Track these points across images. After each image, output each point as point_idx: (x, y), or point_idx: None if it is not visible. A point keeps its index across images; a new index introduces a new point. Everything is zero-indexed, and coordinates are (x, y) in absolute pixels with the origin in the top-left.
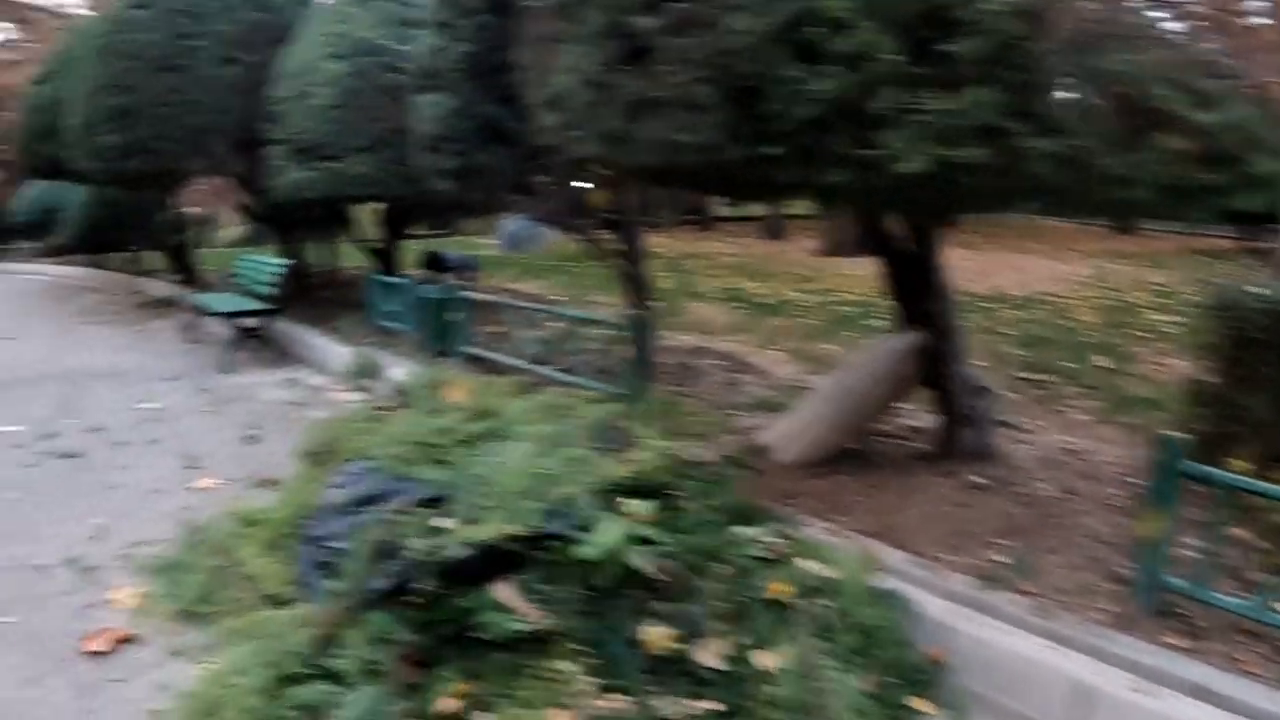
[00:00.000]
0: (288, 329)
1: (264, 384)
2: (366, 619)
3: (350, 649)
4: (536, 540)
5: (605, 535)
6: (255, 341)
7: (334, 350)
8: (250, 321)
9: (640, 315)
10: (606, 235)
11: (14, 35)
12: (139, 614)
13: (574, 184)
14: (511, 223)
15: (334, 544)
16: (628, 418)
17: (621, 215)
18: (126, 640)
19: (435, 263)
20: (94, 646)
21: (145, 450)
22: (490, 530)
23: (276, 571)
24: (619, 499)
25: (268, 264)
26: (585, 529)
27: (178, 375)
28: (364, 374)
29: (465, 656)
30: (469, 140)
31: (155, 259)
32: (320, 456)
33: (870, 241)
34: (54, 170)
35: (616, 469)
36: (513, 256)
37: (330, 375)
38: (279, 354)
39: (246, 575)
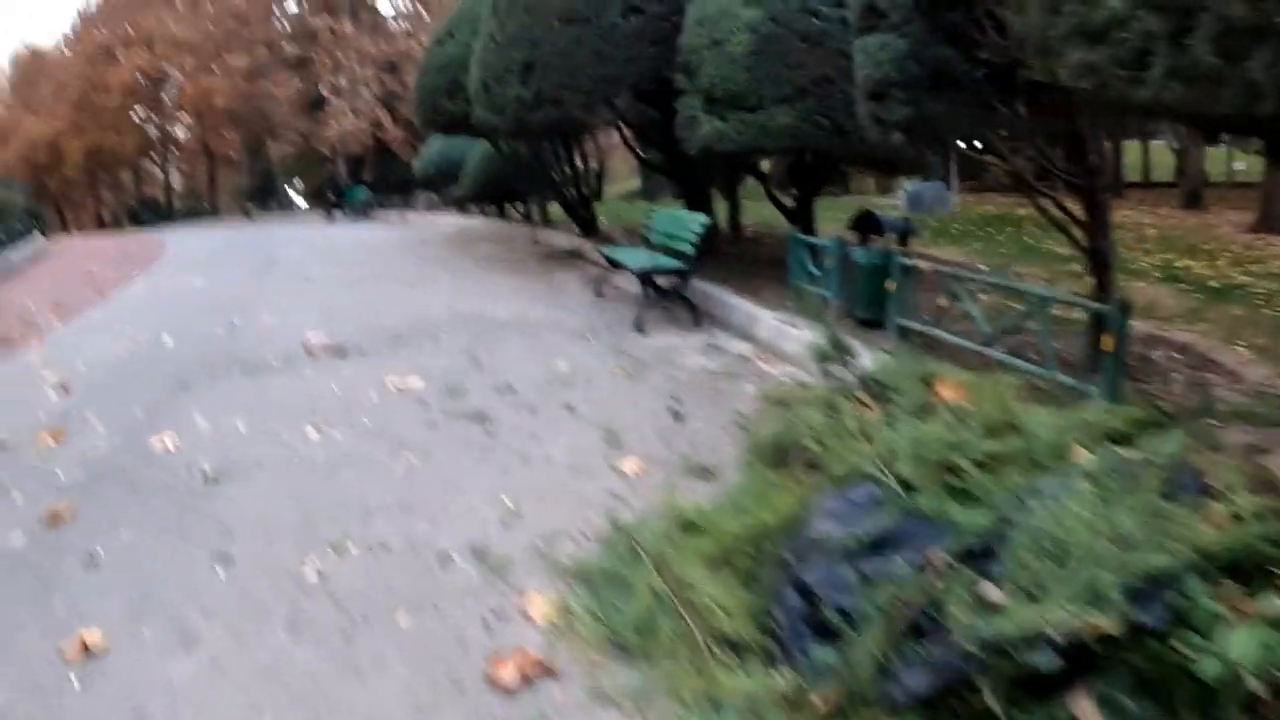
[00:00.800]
0: (703, 288)
1: (682, 348)
2: None
3: None
4: (1122, 636)
5: (1237, 646)
6: (669, 301)
7: (758, 315)
8: (667, 280)
9: (1121, 299)
10: (1063, 200)
11: (410, 7)
12: (555, 634)
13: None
14: (916, 183)
15: (830, 595)
16: (1189, 450)
17: (1088, 179)
18: (540, 669)
19: (868, 223)
20: (502, 675)
21: (559, 417)
22: (1059, 615)
23: (732, 605)
24: (1221, 580)
25: (687, 220)
26: (1186, 622)
27: (587, 332)
28: (829, 357)
29: None
30: (920, 87)
31: (553, 211)
32: (775, 455)
33: None
34: (454, 125)
35: (1205, 532)
36: (918, 219)
37: (755, 343)
38: (693, 315)
39: (690, 602)
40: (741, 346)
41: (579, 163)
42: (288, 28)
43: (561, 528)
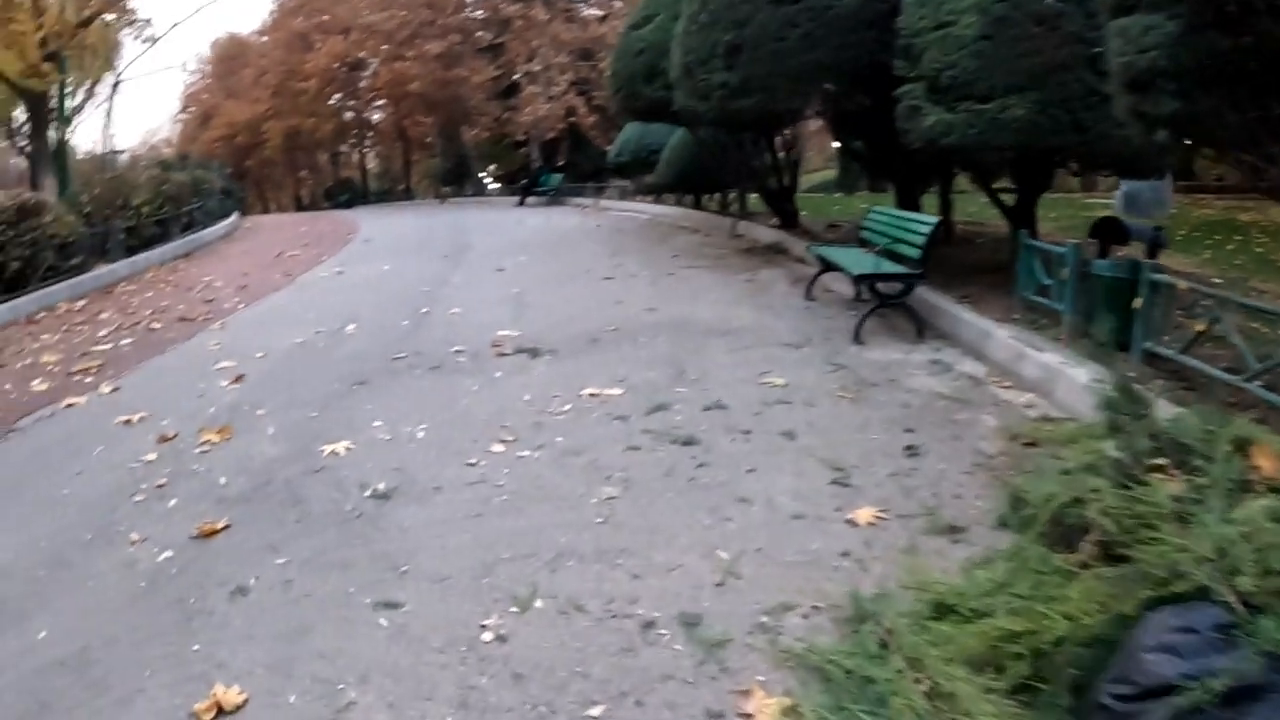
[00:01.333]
0: (923, 295)
1: (906, 365)
2: None
3: None
4: None
5: None
6: (887, 309)
7: (990, 332)
8: (889, 287)
9: None
10: None
11: None
12: None
13: None
14: (1132, 182)
15: None
16: None
17: None
18: None
19: (1111, 231)
20: None
21: (777, 446)
22: None
23: None
24: None
25: (914, 221)
26: None
27: (801, 341)
28: (1118, 407)
29: None
30: (1192, 77)
31: (750, 202)
32: (1052, 529)
33: None
34: (652, 112)
35: None
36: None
37: (987, 363)
38: (916, 327)
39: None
40: (971, 366)
41: (779, 152)
42: (480, 14)
43: (788, 596)
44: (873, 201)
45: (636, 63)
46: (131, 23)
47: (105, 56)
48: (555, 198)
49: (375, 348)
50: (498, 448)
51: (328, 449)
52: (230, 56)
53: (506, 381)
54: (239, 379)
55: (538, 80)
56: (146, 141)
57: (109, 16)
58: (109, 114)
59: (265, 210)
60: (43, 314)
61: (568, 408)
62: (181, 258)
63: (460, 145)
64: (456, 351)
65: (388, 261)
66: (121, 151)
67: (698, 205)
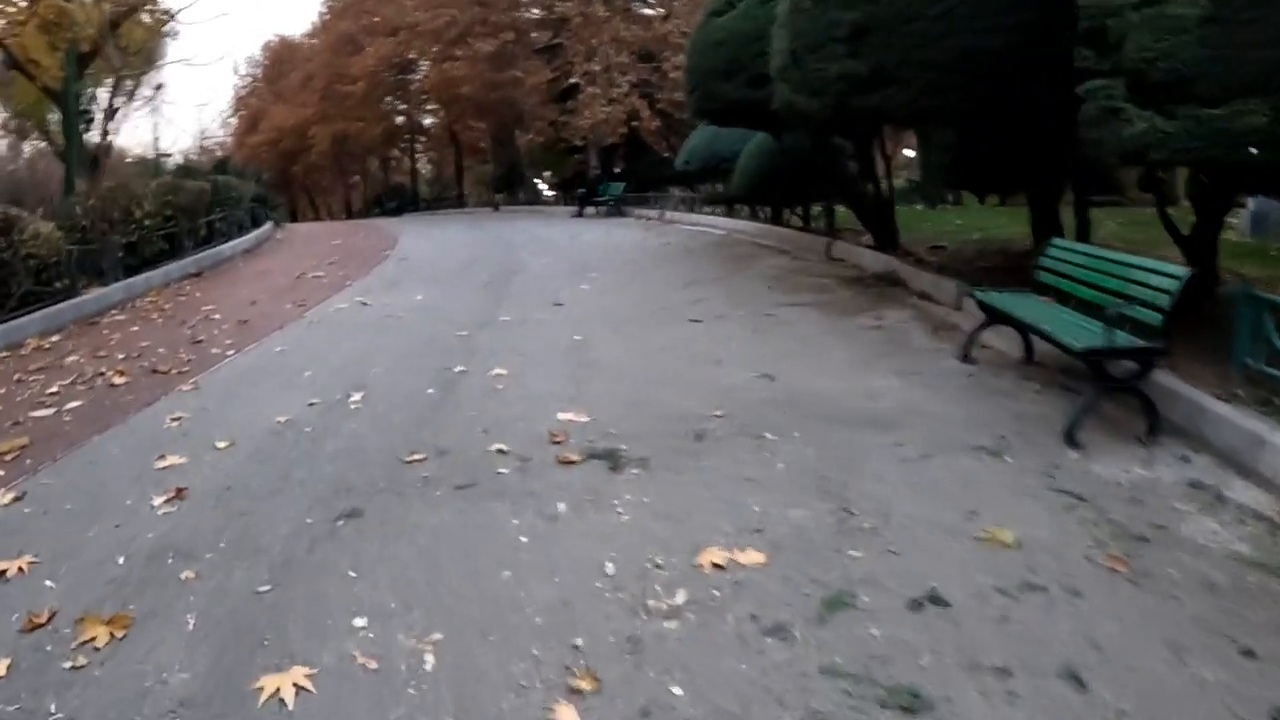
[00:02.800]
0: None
1: (1158, 490)
2: None
3: None
4: None
5: None
6: (1104, 390)
7: (1262, 436)
8: (1119, 365)
9: None
10: None
11: None
12: None
13: None
14: (1261, 200)
15: None
16: None
17: None
18: None
19: None
20: None
21: (1061, 703)
22: None
23: None
24: None
25: (1148, 270)
26: None
27: (995, 444)
28: None
29: None
30: None
31: (839, 216)
32: None
33: None
34: (735, 113)
35: None
36: (1267, 245)
37: (1271, 489)
38: (1151, 423)
39: None
40: (1250, 493)
41: (872, 159)
42: (535, 13)
43: None
44: (967, 216)
45: (716, 56)
46: (165, 21)
47: (144, 57)
48: (615, 208)
49: (383, 439)
50: (565, 714)
51: (266, 690)
52: (281, 60)
53: (573, 524)
54: (179, 493)
55: (597, 81)
56: (200, 145)
57: (145, 18)
58: (155, 116)
59: (317, 216)
60: (4, 354)
61: (680, 598)
62: (191, 277)
63: (513, 151)
64: (498, 452)
65: (422, 289)
66: (169, 154)
67: (777, 219)
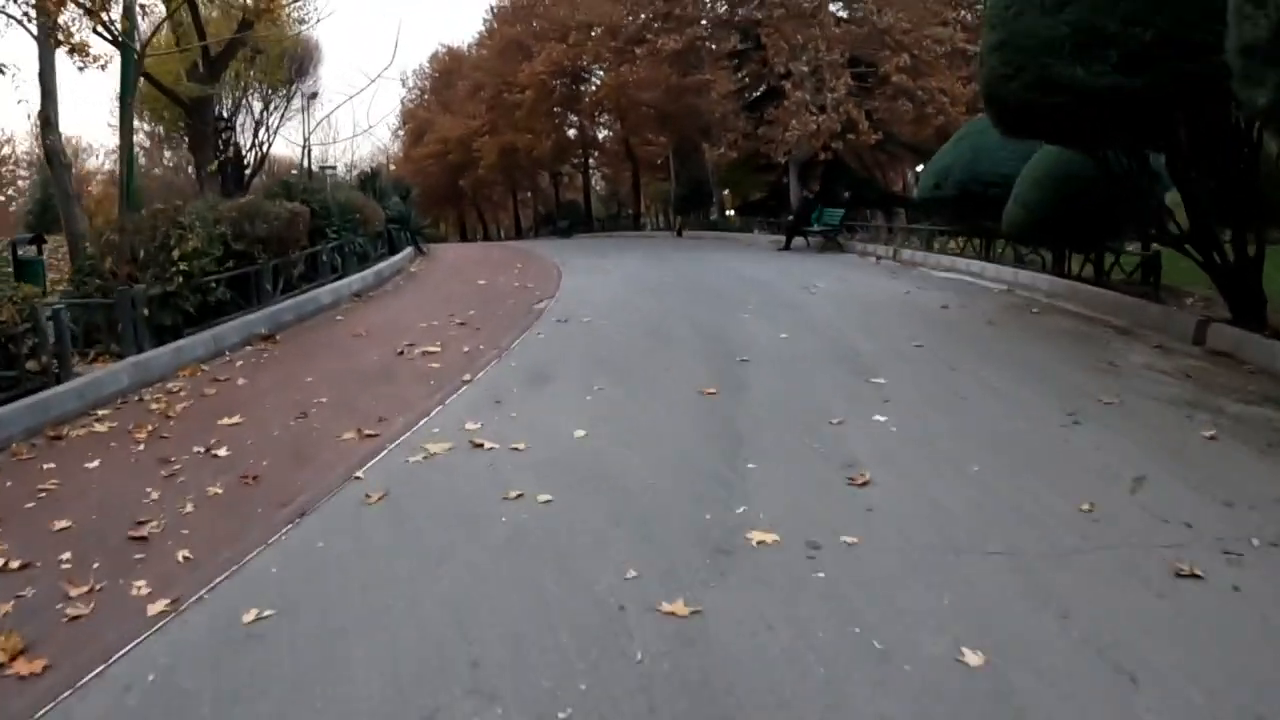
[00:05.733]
0: None
1: None
2: None
3: None
4: None
5: None
6: None
7: None
8: None
9: None
10: None
11: None
12: None
13: None
14: None
15: None
16: None
17: None
18: None
19: None
20: None
21: None
22: None
23: None
24: None
25: None
26: None
27: None
28: None
29: None
30: None
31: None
32: None
33: None
34: (1076, 110)
35: None
36: None
37: None
38: None
39: None
40: None
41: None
42: (723, 9)
43: None
44: None
45: (1056, 21)
46: (300, 25)
47: (280, 65)
48: (832, 240)
49: None
50: None
51: None
52: (448, 70)
53: None
54: None
55: (804, 85)
56: (374, 156)
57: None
58: (307, 124)
59: (485, 233)
60: None
61: None
62: (260, 341)
63: (697, 167)
64: None
65: (586, 394)
66: (333, 167)
67: (1059, 267)
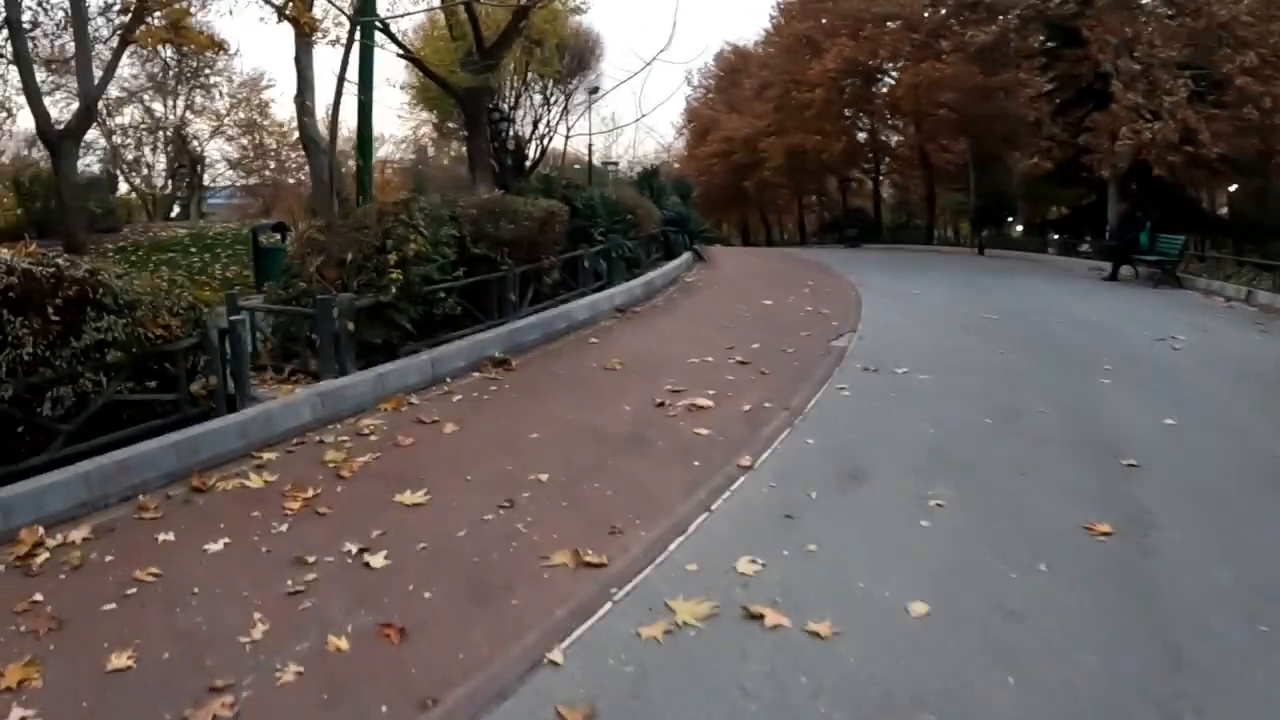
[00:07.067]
0: None
1: None
2: None
3: None
4: None
5: None
6: None
7: None
8: None
9: None
10: None
11: None
12: None
13: None
14: None
15: None
16: None
17: None
18: None
19: None
20: None
21: None
22: None
23: None
24: None
25: None
26: None
27: None
28: None
29: None
30: None
31: None
32: None
33: None
34: None
35: None
36: None
37: None
38: None
39: None
40: None
41: None
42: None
43: None
44: None
45: None
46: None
47: (558, 56)
48: (1168, 273)
49: None
50: None
51: None
52: (734, 69)
53: None
54: None
55: (1135, 86)
56: (656, 154)
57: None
58: (590, 119)
59: (768, 237)
60: None
61: None
62: (491, 368)
63: (999, 177)
64: None
65: (918, 530)
66: (615, 163)
67: None
